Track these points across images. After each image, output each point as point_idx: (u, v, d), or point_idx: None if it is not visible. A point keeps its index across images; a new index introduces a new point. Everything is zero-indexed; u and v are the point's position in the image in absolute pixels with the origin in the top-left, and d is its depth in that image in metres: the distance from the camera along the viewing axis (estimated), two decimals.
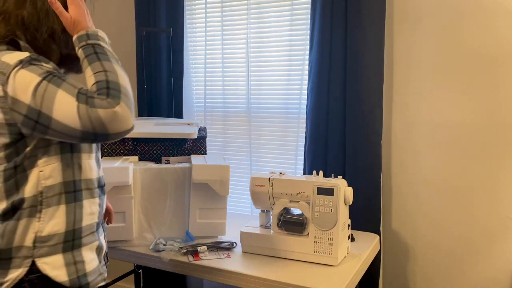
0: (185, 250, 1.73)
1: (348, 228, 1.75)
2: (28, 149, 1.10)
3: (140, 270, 2.45)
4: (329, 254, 1.64)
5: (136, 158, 1.97)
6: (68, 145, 1.15)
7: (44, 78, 1.03)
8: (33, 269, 1.11)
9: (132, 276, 2.52)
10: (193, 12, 2.46)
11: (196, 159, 1.92)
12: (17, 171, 1.10)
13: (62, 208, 1.14)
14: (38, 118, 1.03)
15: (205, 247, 1.76)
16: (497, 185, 1.91)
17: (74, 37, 1.15)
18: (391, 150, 2.09)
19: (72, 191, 1.16)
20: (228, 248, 1.79)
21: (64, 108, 1.02)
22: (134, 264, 2.35)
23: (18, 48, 1.15)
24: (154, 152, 2.02)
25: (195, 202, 1.84)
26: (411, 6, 1.98)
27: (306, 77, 2.14)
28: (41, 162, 1.12)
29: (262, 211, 1.83)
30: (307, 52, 2.12)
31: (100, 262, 1.24)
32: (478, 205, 1.95)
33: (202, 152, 2.05)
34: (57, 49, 1.19)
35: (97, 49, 1.13)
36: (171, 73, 2.40)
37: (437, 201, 2.02)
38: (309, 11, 2.07)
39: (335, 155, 2.07)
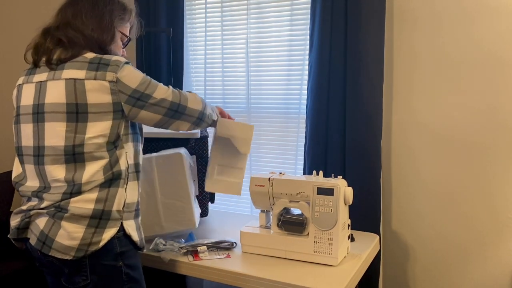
0: (185, 250, 1.74)
1: (348, 228, 1.75)
2: (121, 132, 1.42)
3: None
4: (329, 254, 1.64)
5: None
6: (137, 136, 1.52)
7: (145, 76, 1.45)
8: (120, 228, 1.40)
9: None
10: (193, 12, 2.46)
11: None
12: (115, 149, 1.42)
13: (135, 183, 1.48)
14: (140, 96, 1.41)
15: (205, 247, 1.76)
16: (497, 185, 1.91)
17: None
18: (391, 150, 2.09)
19: (138, 171, 1.50)
20: (228, 248, 1.79)
21: (163, 90, 1.47)
22: None
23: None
24: (157, 152, 2.01)
25: (215, 157, 1.81)
26: (411, 6, 1.98)
27: (306, 77, 2.14)
28: (125, 145, 1.45)
29: (262, 211, 1.83)
30: (307, 52, 2.12)
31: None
32: (478, 205, 1.95)
33: (204, 151, 2.05)
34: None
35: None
36: (171, 73, 2.39)
37: (437, 201, 2.02)
38: (309, 11, 2.07)
39: (335, 155, 2.07)
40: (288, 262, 1.68)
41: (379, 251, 2.01)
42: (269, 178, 1.76)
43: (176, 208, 1.83)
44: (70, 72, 1.38)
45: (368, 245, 1.85)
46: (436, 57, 1.96)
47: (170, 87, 1.51)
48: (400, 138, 2.07)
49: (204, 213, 2.08)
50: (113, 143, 1.41)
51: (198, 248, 1.74)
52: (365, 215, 2.02)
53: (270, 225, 1.79)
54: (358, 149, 2.02)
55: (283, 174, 1.79)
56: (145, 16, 2.42)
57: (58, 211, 1.36)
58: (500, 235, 1.93)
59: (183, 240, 1.84)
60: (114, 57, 1.41)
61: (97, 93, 1.36)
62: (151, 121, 1.48)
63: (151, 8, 2.40)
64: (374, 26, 1.95)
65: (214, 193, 2.20)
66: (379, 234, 2.01)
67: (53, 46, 1.43)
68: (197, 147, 2.04)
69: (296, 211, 1.75)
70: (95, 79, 1.36)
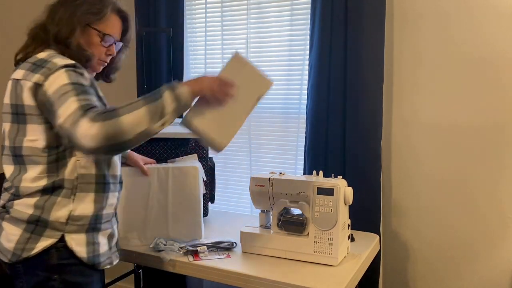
0: (185, 250, 1.73)
1: (348, 228, 1.75)
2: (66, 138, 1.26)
3: (140, 270, 2.45)
4: (329, 254, 1.64)
5: None
6: None
7: (72, 83, 1.23)
8: (61, 240, 1.31)
9: (132, 276, 2.52)
10: (193, 12, 2.46)
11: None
12: (58, 156, 1.31)
13: (92, 196, 1.36)
14: (51, 107, 1.23)
15: (205, 247, 1.76)
16: (497, 185, 1.91)
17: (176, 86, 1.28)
18: (391, 150, 2.09)
19: (102, 183, 1.38)
20: (228, 248, 1.79)
21: (67, 108, 1.19)
22: (134, 264, 2.34)
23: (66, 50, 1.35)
24: (157, 152, 2.02)
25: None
26: (411, 6, 1.98)
27: (306, 77, 2.14)
28: (78, 152, 1.33)
29: (262, 211, 1.83)
30: (307, 52, 2.12)
31: (110, 248, 1.45)
32: (478, 205, 1.95)
33: (204, 151, 2.05)
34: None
35: (158, 99, 1.24)
36: (171, 73, 2.39)
37: (437, 201, 2.02)
38: (309, 11, 2.07)
39: (335, 155, 2.07)
40: (288, 262, 1.68)
41: (379, 251, 2.01)
42: (269, 178, 1.76)
43: (186, 220, 1.85)
44: (16, 72, 1.34)
45: (368, 245, 1.85)
46: (436, 56, 1.96)
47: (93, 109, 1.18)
48: (400, 138, 2.07)
49: (204, 213, 2.08)
50: (56, 149, 1.32)
51: (198, 248, 1.74)
52: (365, 215, 2.02)
53: (270, 225, 1.79)
54: (358, 149, 2.02)
55: (283, 174, 1.79)
56: (145, 16, 2.43)
57: (4, 212, 1.36)
58: (501, 234, 1.92)
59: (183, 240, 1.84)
60: (55, 60, 1.29)
61: (27, 94, 1.29)
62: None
63: (151, 8, 2.40)
64: (374, 26, 1.95)
65: (214, 193, 2.20)
66: (379, 234, 2.01)
67: (25, 44, 1.40)
68: (197, 147, 2.04)
69: (296, 211, 1.75)
70: (28, 79, 1.29)
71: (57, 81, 1.24)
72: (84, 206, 1.34)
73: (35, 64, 1.31)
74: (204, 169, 1.99)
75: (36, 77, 1.27)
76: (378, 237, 1.98)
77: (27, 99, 1.29)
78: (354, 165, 2.03)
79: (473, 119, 1.92)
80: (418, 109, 2.02)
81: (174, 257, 1.71)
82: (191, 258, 1.71)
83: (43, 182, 1.31)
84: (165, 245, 1.77)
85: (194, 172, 1.83)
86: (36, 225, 1.31)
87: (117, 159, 1.46)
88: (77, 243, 1.33)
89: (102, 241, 1.41)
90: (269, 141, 2.35)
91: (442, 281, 2.05)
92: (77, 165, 1.33)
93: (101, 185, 1.38)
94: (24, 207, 1.32)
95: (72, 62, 1.31)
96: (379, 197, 2.02)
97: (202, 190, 1.88)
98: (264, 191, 1.76)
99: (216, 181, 2.26)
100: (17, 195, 1.33)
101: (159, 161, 2.02)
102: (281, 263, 1.67)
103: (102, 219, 1.40)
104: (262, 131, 2.35)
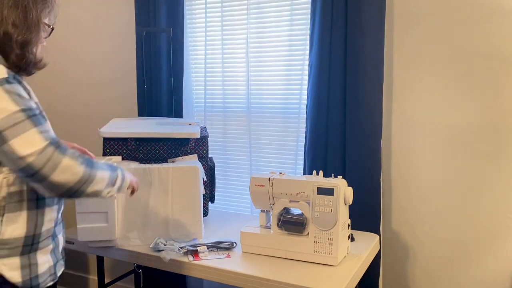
0: (185, 250, 1.74)
1: (348, 228, 1.75)
2: None
3: (140, 270, 2.45)
4: (329, 254, 1.64)
5: (119, 158, 1.93)
6: None
7: (22, 109, 1.11)
8: None
9: (132, 276, 2.52)
10: (193, 12, 2.46)
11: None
12: None
13: (24, 214, 1.21)
14: None
15: (205, 247, 1.76)
16: (497, 185, 1.91)
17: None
18: (391, 150, 2.09)
19: (34, 199, 1.23)
20: (228, 248, 1.79)
21: (28, 142, 1.09)
22: (134, 264, 2.35)
23: None
24: (157, 152, 2.02)
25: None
26: (411, 6, 1.98)
27: (306, 77, 2.14)
28: (6, 169, 1.17)
29: (262, 211, 1.83)
30: (307, 52, 2.12)
31: (56, 261, 1.32)
32: (478, 205, 1.95)
33: (204, 151, 2.05)
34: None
35: (115, 171, 1.31)
36: (171, 73, 2.40)
37: (437, 201, 2.02)
38: (309, 11, 2.07)
39: (335, 155, 2.07)
40: (288, 262, 1.68)
41: (379, 251, 2.01)
42: (269, 178, 1.76)
43: (186, 221, 1.86)
44: None
45: (368, 245, 1.85)
46: (436, 56, 1.96)
47: (49, 141, 1.11)
48: (400, 138, 2.07)
49: (204, 213, 2.09)
50: None
51: (198, 248, 1.74)
52: (365, 215, 2.02)
53: (270, 225, 1.79)
54: (358, 149, 2.02)
55: (283, 174, 1.79)
56: (145, 16, 2.43)
57: None
58: (500, 234, 1.92)
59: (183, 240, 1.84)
60: None
61: None
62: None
63: (151, 8, 2.40)
64: (374, 26, 1.95)
65: (214, 193, 2.20)
66: (379, 234, 2.01)
67: None
68: (197, 147, 2.04)
69: (296, 211, 1.75)
70: None
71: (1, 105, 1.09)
72: (15, 226, 1.20)
73: None
74: (204, 169, 1.99)
75: None
76: (378, 237, 1.98)
77: None
78: (354, 165, 2.03)
79: (472, 119, 1.92)
80: (418, 109, 2.02)
81: (174, 257, 1.71)
82: (191, 258, 1.71)
83: None
84: (165, 245, 1.77)
85: (194, 172, 1.84)
86: None
87: None
88: (10, 268, 1.20)
89: (43, 259, 1.27)
90: (269, 141, 2.35)
91: (442, 281, 2.05)
92: (4, 183, 1.18)
93: (33, 202, 1.23)
94: None
95: (5, 74, 1.16)
96: (379, 197, 2.02)
97: (202, 189, 1.88)
98: (264, 191, 1.76)
99: (216, 181, 2.26)
100: None
101: (159, 161, 2.02)
102: (281, 263, 1.67)
103: (40, 237, 1.26)
104: (262, 131, 2.35)
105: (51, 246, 1.30)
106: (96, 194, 1.23)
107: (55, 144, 1.12)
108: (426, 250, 2.07)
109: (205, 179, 1.97)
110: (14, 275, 1.21)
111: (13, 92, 1.12)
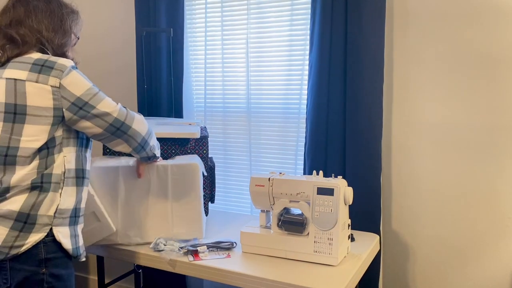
0: (185, 250, 1.74)
1: (348, 228, 1.75)
2: (58, 135, 1.38)
3: (140, 270, 2.45)
4: (329, 254, 1.64)
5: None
6: (83, 141, 1.47)
7: (93, 86, 1.43)
8: (49, 234, 1.36)
9: (132, 276, 2.52)
10: (193, 12, 2.46)
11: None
12: (49, 152, 1.37)
13: (74, 189, 1.43)
14: (83, 106, 1.39)
15: (205, 247, 1.76)
16: (497, 185, 1.91)
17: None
18: (391, 150, 2.09)
19: (81, 177, 1.45)
20: (228, 248, 1.79)
21: (109, 104, 1.44)
22: (134, 264, 2.35)
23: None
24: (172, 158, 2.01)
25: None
26: (411, 6, 1.98)
27: (306, 77, 2.14)
28: (65, 149, 1.40)
29: (262, 211, 1.83)
30: (307, 52, 2.12)
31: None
32: (478, 205, 1.95)
33: (205, 151, 2.05)
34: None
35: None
36: (171, 73, 2.40)
37: (437, 201, 2.02)
38: (309, 11, 2.07)
39: (335, 155, 2.07)
40: (288, 262, 1.68)
41: (379, 251, 2.01)
42: (269, 178, 1.76)
43: (187, 218, 1.85)
44: (12, 72, 1.36)
45: (368, 245, 1.85)
46: (436, 56, 1.96)
47: (119, 104, 1.48)
48: (400, 138, 2.07)
49: (204, 213, 2.09)
50: (47, 146, 1.37)
51: (198, 248, 1.74)
52: (365, 215, 2.02)
53: (270, 225, 1.79)
54: (358, 149, 2.02)
55: (283, 174, 1.79)
56: (145, 16, 2.43)
57: None
58: (500, 234, 1.93)
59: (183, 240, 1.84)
60: (60, 60, 1.38)
61: (38, 96, 1.34)
62: (90, 133, 1.44)
63: (151, 8, 2.40)
64: (374, 26, 1.95)
65: (214, 193, 2.20)
66: (379, 234, 2.01)
67: (3, 43, 1.41)
68: (197, 147, 2.04)
69: (296, 211, 1.75)
70: (36, 81, 1.34)
71: (80, 82, 1.39)
72: (69, 199, 1.40)
73: (36, 65, 1.36)
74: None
75: (52, 80, 1.35)
76: (378, 237, 1.98)
77: (35, 100, 1.34)
78: (354, 165, 2.03)
79: (473, 119, 1.93)
80: (418, 109, 2.02)
81: (174, 257, 1.71)
82: (191, 258, 1.71)
83: (32, 179, 1.35)
84: (165, 245, 1.77)
85: (194, 169, 1.83)
86: (25, 222, 1.33)
87: (89, 155, 1.53)
88: (64, 236, 1.39)
89: (80, 234, 1.47)
90: (269, 141, 2.35)
91: (442, 281, 2.05)
92: (64, 160, 1.40)
93: (80, 179, 1.45)
94: (11, 204, 1.33)
95: (71, 62, 1.42)
96: (379, 197, 2.02)
97: (202, 186, 1.87)
98: (264, 191, 1.76)
99: (216, 181, 2.26)
100: (2, 194, 1.34)
101: None
102: (281, 263, 1.67)
103: (80, 212, 1.46)
104: (262, 131, 2.35)
105: (82, 225, 1.51)
106: (152, 148, 1.63)
107: (123, 106, 1.48)
108: (426, 250, 2.07)
109: (205, 173, 1.96)
110: (67, 242, 1.39)
111: (82, 74, 1.42)
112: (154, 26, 2.40)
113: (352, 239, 1.86)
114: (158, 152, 1.70)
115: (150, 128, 1.58)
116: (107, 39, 2.72)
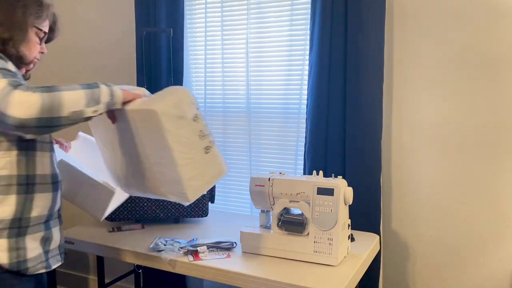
0: (185, 250, 1.74)
1: (348, 228, 1.75)
2: None
3: (140, 270, 2.45)
4: (329, 254, 1.64)
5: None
6: (24, 143, 1.27)
7: None
8: None
9: (132, 276, 2.53)
10: (193, 12, 2.46)
11: None
12: None
13: (12, 198, 1.25)
14: None
15: (205, 247, 1.76)
16: (497, 185, 1.91)
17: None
18: (391, 150, 2.09)
19: (24, 184, 1.27)
20: (228, 248, 1.79)
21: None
22: (134, 264, 2.35)
23: None
24: None
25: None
26: (411, 6, 1.98)
27: (306, 77, 2.14)
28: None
29: (262, 211, 1.83)
30: (307, 52, 2.12)
31: (47, 252, 1.34)
32: (478, 205, 1.95)
33: None
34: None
35: (96, 88, 1.25)
36: (171, 73, 2.40)
37: (437, 201, 2.02)
38: (309, 11, 2.07)
39: (335, 155, 2.07)
40: (288, 262, 1.68)
41: (379, 251, 2.02)
42: (269, 178, 1.76)
43: (166, 177, 1.37)
44: None
45: (368, 245, 1.85)
46: (436, 56, 1.96)
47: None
48: (400, 138, 2.07)
49: (204, 213, 2.09)
50: None
51: (198, 248, 1.74)
52: (365, 215, 2.02)
53: (270, 225, 1.79)
54: (358, 149, 2.02)
55: (283, 174, 1.79)
56: (145, 16, 2.43)
57: None
58: (500, 234, 1.93)
59: (183, 240, 1.84)
60: None
61: None
62: None
63: (151, 8, 2.40)
64: (374, 26, 1.95)
65: (214, 193, 2.20)
66: (379, 234, 2.01)
67: None
68: None
69: (296, 211, 1.75)
70: None
71: None
72: (3, 209, 1.24)
73: None
74: None
75: None
76: (378, 237, 1.99)
77: None
78: (354, 165, 2.03)
79: (473, 119, 1.93)
80: (418, 109, 2.02)
81: (174, 257, 1.71)
82: (191, 258, 1.71)
83: None
84: (165, 245, 1.77)
85: (153, 117, 1.29)
86: None
87: (45, 159, 1.35)
88: None
89: (32, 245, 1.29)
90: (269, 141, 2.35)
91: (442, 281, 2.05)
92: None
93: (23, 187, 1.27)
94: None
95: None
96: (379, 197, 2.02)
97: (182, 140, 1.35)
98: (264, 191, 1.76)
99: None
100: None
101: None
102: (281, 263, 1.67)
103: (29, 222, 1.29)
104: (262, 131, 2.35)
105: (42, 234, 1.33)
106: (77, 115, 1.17)
107: (13, 84, 1.11)
108: (426, 250, 2.07)
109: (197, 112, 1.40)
110: (1, 256, 1.23)
111: None
112: (154, 26, 2.40)
113: (352, 239, 1.86)
114: (105, 98, 1.25)
115: (49, 98, 1.12)
116: (107, 39, 2.72)
